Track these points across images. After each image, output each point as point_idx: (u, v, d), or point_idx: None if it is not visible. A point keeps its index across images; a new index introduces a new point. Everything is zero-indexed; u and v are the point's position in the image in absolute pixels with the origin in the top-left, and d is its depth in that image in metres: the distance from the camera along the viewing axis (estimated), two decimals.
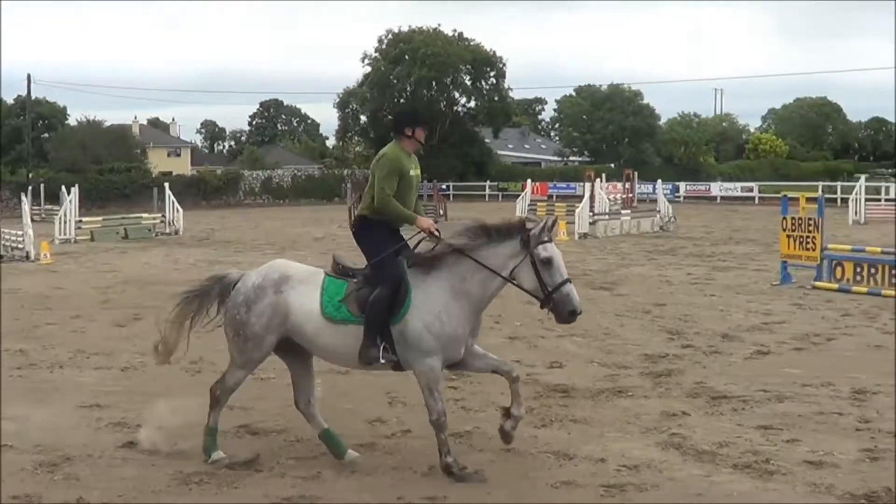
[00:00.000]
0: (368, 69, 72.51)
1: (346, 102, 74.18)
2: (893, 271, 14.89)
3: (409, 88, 71.24)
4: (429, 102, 71.37)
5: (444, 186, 60.16)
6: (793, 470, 6.28)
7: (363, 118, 75.11)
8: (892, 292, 14.46)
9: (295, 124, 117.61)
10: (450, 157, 71.33)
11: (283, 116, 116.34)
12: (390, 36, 72.65)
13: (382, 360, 6.25)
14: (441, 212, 41.31)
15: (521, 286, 6.39)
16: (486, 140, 78.82)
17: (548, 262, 6.14)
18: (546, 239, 6.19)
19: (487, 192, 68.42)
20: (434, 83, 71.15)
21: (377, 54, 72.61)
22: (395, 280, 6.26)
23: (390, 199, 6.47)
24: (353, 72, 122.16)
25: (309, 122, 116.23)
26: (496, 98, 74.75)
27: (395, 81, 70.83)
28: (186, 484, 6.16)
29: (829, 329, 11.87)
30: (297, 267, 6.76)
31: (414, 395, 8.42)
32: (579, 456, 6.68)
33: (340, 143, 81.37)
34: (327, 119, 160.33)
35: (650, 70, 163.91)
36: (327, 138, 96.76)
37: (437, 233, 6.50)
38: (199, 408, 6.89)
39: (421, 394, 6.42)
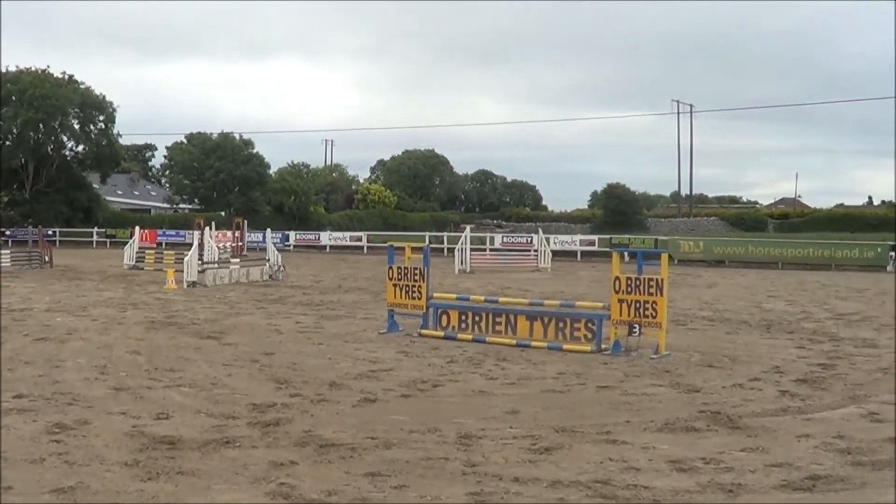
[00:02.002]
0: None
1: None
2: (497, 319, 15.92)
3: (15, 130, 69.12)
4: (35, 145, 69.96)
5: (49, 232, 57.60)
6: None
7: None
8: (496, 339, 15.45)
9: None
10: (56, 202, 70.36)
11: None
12: None
13: None
14: (46, 258, 39.23)
15: None
16: (95, 185, 77.44)
17: None
18: None
19: (95, 238, 66.99)
20: (41, 125, 69.40)
21: None
22: None
23: None
24: None
25: None
26: (105, 143, 74.05)
27: (0, 123, 68.42)
28: None
29: (436, 376, 12.41)
30: None
31: (16, 450, 7.90)
32: None
33: None
34: None
35: (261, 119, 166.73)
36: None
37: None
38: None
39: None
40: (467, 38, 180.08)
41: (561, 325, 15.23)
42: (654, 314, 14.08)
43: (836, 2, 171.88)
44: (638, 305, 14.21)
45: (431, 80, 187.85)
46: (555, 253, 48.43)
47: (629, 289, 14.30)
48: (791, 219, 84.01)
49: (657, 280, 14.08)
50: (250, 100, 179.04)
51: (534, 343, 15.08)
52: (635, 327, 14.25)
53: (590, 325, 14.95)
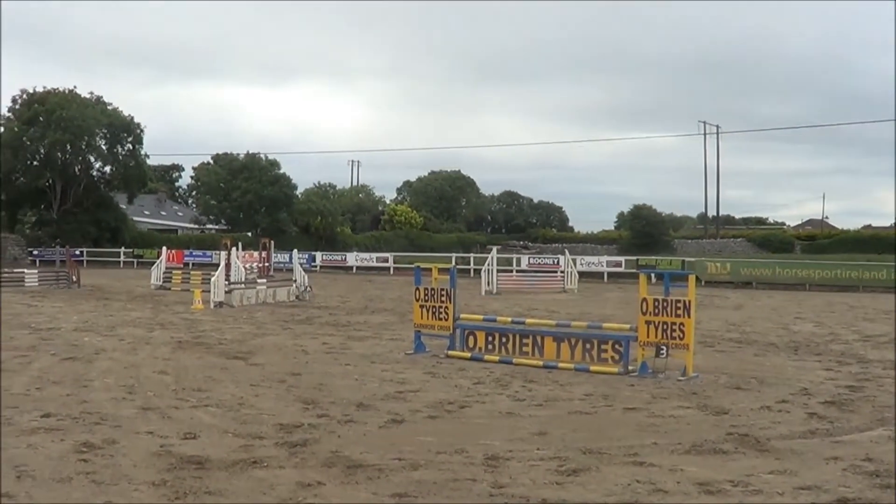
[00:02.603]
0: (1, 129, 70.53)
1: None
2: (524, 340, 15.91)
3: (42, 151, 69.69)
4: (63, 166, 70.53)
5: (77, 252, 58.00)
6: None
7: None
8: (523, 360, 15.43)
9: None
10: (83, 222, 70.85)
11: None
12: (25, 96, 71.03)
13: None
14: (74, 278, 39.48)
15: None
16: (122, 206, 78.08)
17: None
18: None
19: (122, 258, 67.43)
20: (69, 146, 69.88)
21: (10, 115, 70.76)
22: None
23: None
24: None
25: None
26: (132, 163, 74.55)
27: (28, 143, 69.31)
28: None
29: (462, 397, 12.41)
30: None
31: (44, 469, 7.96)
32: None
33: None
34: None
35: (287, 140, 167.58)
36: None
37: None
38: None
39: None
40: (490, 58, 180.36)
41: (588, 346, 15.20)
42: (681, 336, 14.03)
43: (860, 20, 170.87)
44: (665, 327, 14.17)
45: (455, 100, 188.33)
46: (581, 274, 48.36)
47: (656, 310, 14.26)
48: (818, 240, 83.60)
49: (684, 301, 14.04)
50: (276, 121, 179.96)
51: (561, 364, 15.05)
52: (662, 349, 14.20)
53: (617, 346, 14.91)
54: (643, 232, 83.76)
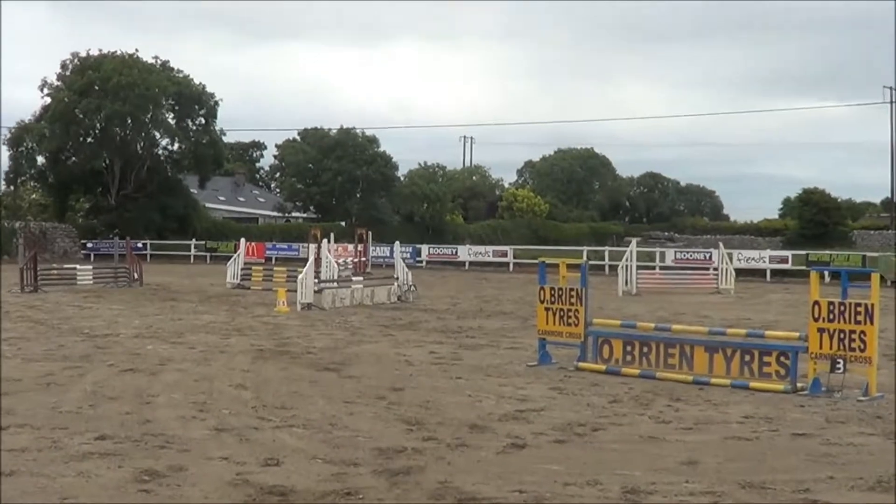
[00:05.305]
0: (49, 100, 70.35)
1: (19, 139, 71.12)
2: (669, 351, 15.73)
3: (98, 125, 69.52)
4: (122, 143, 69.62)
5: (138, 244, 58.51)
6: None
7: (40, 159, 72.45)
8: (668, 375, 15.27)
9: None
10: (147, 209, 70.20)
11: None
12: (76, 61, 70.83)
13: None
14: (135, 275, 40.17)
15: None
16: (193, 190, 78.07)
17: None
18: None
19: (193, 252, 67.65)
20: (129, 120, 69.60)
21: (60, 83, 70.44)
22: None
23: None
24: (30, 103, 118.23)
25: None
26: (205, 141, 74.21)
27: (81, 116, 68.79)
28: None
29: (596, 418, 12.33)
30: None
31: (98, 501, 8.11)
32: None
33: (11, 188, 78.69)
34: None
35: (387, 113, 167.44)
36: None
37: None
38: None
39: None
40: (626, 17, 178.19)
41: (747, 358, 14.98)
42: (862, 347, 13.72)
43: None
44: (842, 336, 13.87)
45: (586, 66, 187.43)
46: (739, 272, 47.64)
47: (831, 316, 13.97)
48: None
49: (866, 305, 13.73)
50: (374, 90, 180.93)
51: (714, 380, 14.88)
52: (839, 362, 13.90)
53: (782, 359, 14.66)
54: (814, 221, 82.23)
